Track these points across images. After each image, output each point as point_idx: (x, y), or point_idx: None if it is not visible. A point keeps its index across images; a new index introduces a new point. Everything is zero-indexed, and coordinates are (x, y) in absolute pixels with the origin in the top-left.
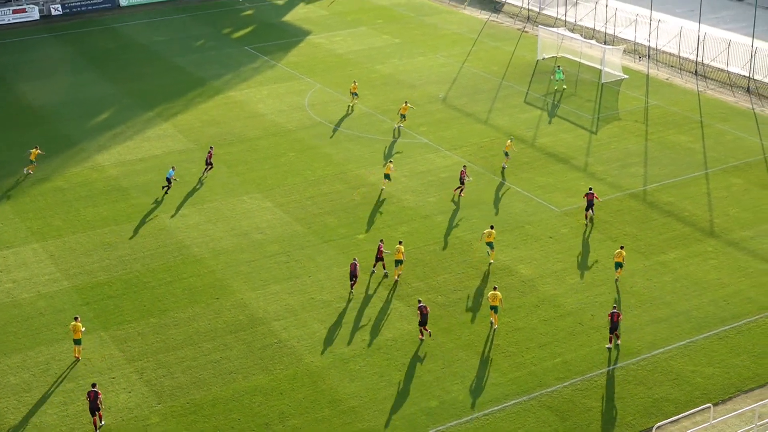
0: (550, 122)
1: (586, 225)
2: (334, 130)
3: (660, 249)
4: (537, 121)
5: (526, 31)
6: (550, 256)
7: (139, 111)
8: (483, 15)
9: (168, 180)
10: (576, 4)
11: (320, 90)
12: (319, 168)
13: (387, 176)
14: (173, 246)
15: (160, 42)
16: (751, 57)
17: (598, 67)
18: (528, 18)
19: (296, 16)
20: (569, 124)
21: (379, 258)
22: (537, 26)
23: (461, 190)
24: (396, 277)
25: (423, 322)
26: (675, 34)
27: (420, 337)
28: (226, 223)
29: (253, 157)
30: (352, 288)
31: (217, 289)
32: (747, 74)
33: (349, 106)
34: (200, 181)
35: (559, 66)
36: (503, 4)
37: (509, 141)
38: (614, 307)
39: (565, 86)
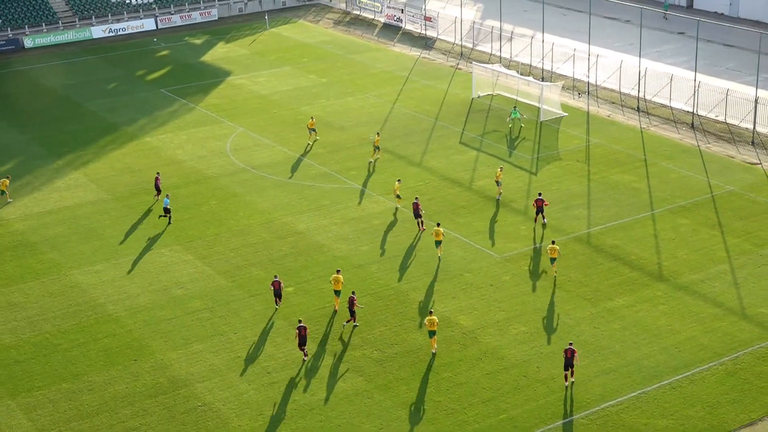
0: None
1: (538, 228)
2: (260, 177)
3: (607, 295)
4: (473, 162)
5: (460, 68)
6: (492, 305)
7: (47, 159)
8: (414, 52)
9: (166, 210)
10: (511, 39)
11: (243, 134)
12: (243, 217)
13: (398, 196)
14: (87, 304)
15: (70, 86)
16: (695, 92)
17: (536, 104)
18: (461, 54)
19: (215, 55)
20: (508, 164)
21: (351, 311)
22: (471, 63)
23: (421, 223)
24: (336, 307)
25: (302, 343)
26: (615, 69)
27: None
28: (144, 279)
29: (172, 207)
30: (305, 356)
31: (135, 349)
32: (691, 110)
33: (308, 144)
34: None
35: (515, 107)
36: (434, 41)
37: (499, 170)
38: (570, 344)
39: (522, 125)
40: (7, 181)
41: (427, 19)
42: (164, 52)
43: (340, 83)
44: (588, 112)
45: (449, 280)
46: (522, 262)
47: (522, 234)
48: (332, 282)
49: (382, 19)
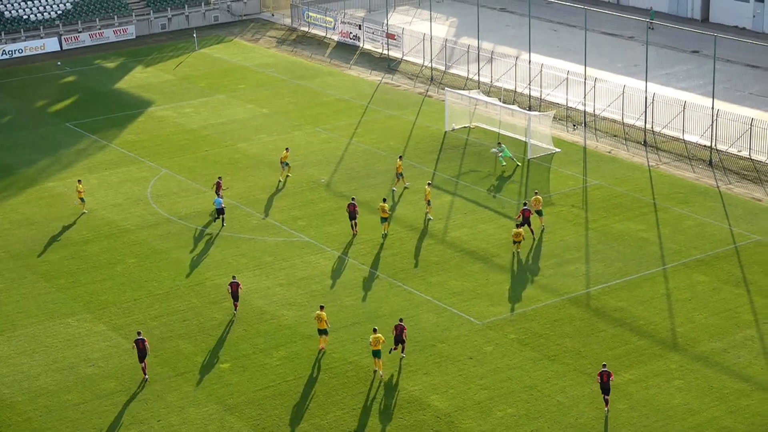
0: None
1: (355, 234)
2: (188, 229)
3: (611, 368)
4: (448, 209)
5: (430, 95)
6: (472, 382)
7: None
8: (374, 76)
9: (220, 211)
10: (491, 60)
11: (167, 177)
12: (167, 278)
13: (428, 202)
14: None
15: None
16: (712, 122)
17: (522, 138)
18: (431, 79)
19: (132, 82)
20: (489, 212)
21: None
22: (443, 89)
23: (355, 225)
24: (322, 347)
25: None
26: (617, 95)
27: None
28: (46, 355)
29: (79, 267)
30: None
31: None
32: (708, 143)
33: (279, 180)
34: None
35: (500, 143)
36: (399, 62)
37: (427, 187)
38: (603, 366)
39: (518, 163)
40: (81, 186)
41: (390, 36)
42: (70, 78)
43: (285, 114)
44: (585, 148)
45: (420, 352)
46: (507, 330)
47: (507, 295)
48: (315, 320)
49: (336, 37)
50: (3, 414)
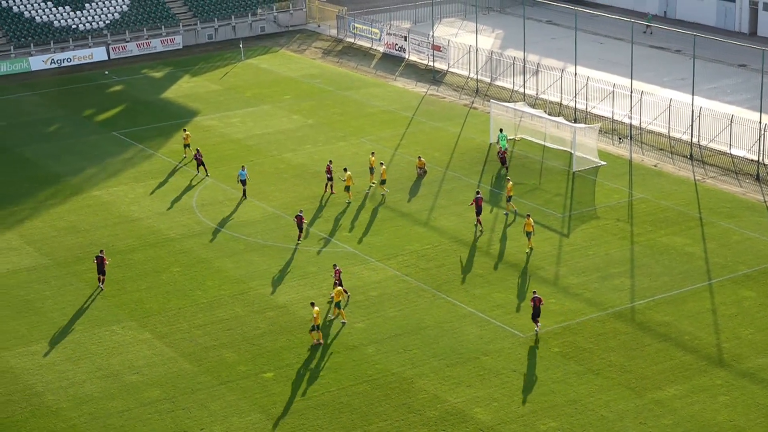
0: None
1: (481, 231)
2: (232, 238)
3: (655, 383)
4: (492, 221)
5: (475, 107)
6: (515, 395)
7: None
8: (420, 88)
9: (242, 182)
10: (537, 72)
11: (213, 186)
12: (212, 287)
13: (509, 197)
14: (20, 393)
15: (1, 128)
16: (760, 136)
17: (568, 150)
18: (477, 91)
19: (179, 91)
20: (534, 224)
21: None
22: (489, 101)
23: (331, 186)
24: (343, 320)
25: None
26: (663, 108)
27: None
28: (91, 362)
29: (125, 275)
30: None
31: None
32: (755, 158)
33: (370, 185)
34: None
35: (501, 129)
36: (445, 74)
37: (371, 156)
38: (534, 292)
39: (516, 138)
40: (187, 133)
41: (436, 48)
42: (117, 88)
43: (330, 125)
44: (631, 161)
45: (463, 365)
46: (552, 343)
47: (552, 308)
48: (315, 315)
49: (382, 49)
50: (48, 421)
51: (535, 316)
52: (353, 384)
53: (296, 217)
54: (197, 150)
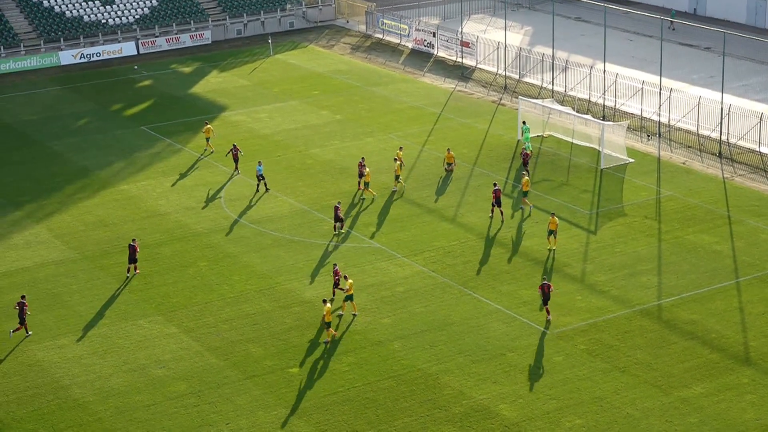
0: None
1: (502, 222)
2: (259, 233)
3: (682, 381)
4: (519, 217)
5: (504, 104)
6: (541, 392)
7: (2, 211)
8: (448, 84)
9: (259, 177)
10: (565, 69)
11: (240, 181)
12: (238, 282)
13: (525, 193)
14: (47, 387)
15: (31, 121)
16: None
17: (596, 147)
18: (505, 87)
19: (208, 86)
20: (561, 221)
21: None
22: (517, 97)
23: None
24: (354, 313)
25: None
26: (692, 106)
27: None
28: (117, 356)
29: (152, 269)
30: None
31: None
32: None
33: (394, 189)
34: None
35: (524, 122)
36: (473, 70)
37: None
38: (544, 278)
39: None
40: (208, 126)
41: (465, 44)
42: (146, 82)
43: (358, 121)
44: (659, 158)
45: (489, 361)
46: (578, 340)
47: (578, 305)
48: (326, 313)
49: (410, 44)
50: (75, 414)
51: (545, 303)
52: (379, 380)
53: (335, 207)
54: (234, 145)
